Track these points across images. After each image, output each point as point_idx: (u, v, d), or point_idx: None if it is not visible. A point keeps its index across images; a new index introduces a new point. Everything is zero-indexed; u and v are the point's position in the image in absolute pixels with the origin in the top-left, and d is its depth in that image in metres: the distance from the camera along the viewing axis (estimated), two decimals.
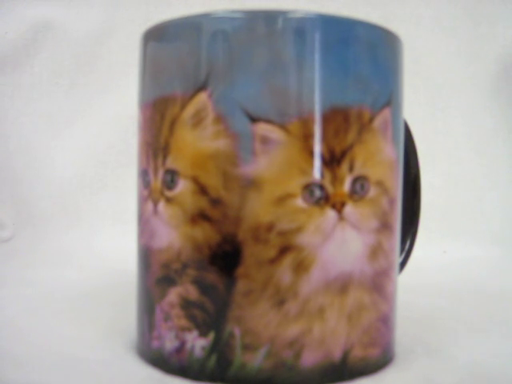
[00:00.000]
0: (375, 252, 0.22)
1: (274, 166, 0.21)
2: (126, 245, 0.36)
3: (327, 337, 0.22)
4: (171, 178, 0.22)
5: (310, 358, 0.21)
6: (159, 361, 0.23)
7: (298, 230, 0.21)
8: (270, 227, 0.21)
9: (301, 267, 0.21)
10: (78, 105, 0.64)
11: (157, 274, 0.23)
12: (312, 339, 0.21)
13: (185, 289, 0.22)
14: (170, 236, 0.22)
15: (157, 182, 0.22)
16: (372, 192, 0.22)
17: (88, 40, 0.64)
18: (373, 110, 0.22)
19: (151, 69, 0.23)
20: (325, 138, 0.21)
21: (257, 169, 0.21)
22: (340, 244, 0.21)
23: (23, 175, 0.63)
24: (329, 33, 0.21)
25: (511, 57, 0.64)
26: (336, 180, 0.21)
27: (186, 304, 0.22)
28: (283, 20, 0.21)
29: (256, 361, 0.21)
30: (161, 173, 0.22)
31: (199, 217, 0.21)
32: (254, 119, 0.21)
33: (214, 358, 0.21)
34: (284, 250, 0.21)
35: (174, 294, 0.22)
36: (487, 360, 0.25)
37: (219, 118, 0.21)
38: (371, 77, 0.22)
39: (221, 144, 0.21)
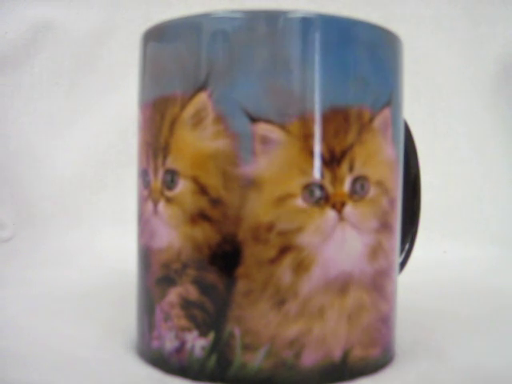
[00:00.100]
0: (375, 252, 0.22)
1: (274, 165, 0.21)
2: (126, 245, 0.36)
3: (327, 337, 0.22)
4: (171, 177, 0.22)
5: (310, 358, 0.21)
6: (159, 361, 0.23)
7: (298, 230, 0.21)
8: (270, 227, 0.21)
9: (301, 267, 0.21)
10: (77, 105, 0.64)
11: (157, 274, 0.23)
12: (312, 339, 0.21)
13: (185, 289, 0.22)
14: (170, 236, 0.22)
15: (157, 182, 0.22)
16: (372, 192, 0.22)
17: (88, 40, 0.64)
18: (373, 110, 0.22)
19: (151, 69, 0.23)
20: (325, 138, 0.21)
21: (257, 169, 0.21)
22: (340, 244, 0.21)
23: (23, 175, 0.63)
24: (329, 33, 0.21)
25: (511, 57, 0.64)
26: (336, 180, 0.21)
27: (186, 304, 0.22)
28: (283, 20, 0.21)
29: (256, 361, 0.21)
30: (161, 173, 0.22)
31: (199, 217, 0.21)
32: (254, 119, 0.21)
33: (213, 358, 0.21)
34: (284, 250, 0.21)
35: (173, 294, 0.22)
36: (487, 360, 0.25)
37: (219, 118, 0.21)
38: (371, 77, 0.22)
39: (221, 144, 0.21)
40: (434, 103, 0.64)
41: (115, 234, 0.59)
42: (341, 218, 0.21)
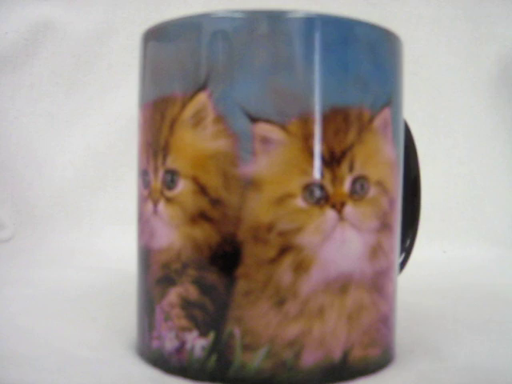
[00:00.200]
0: (375, 252, 0.22)
1: (274, 166, 0.21)
2: (126, 245, 0.36)
3: (327, 337, 0.22)
4: (171, 178, 0.22)
5: (310, 358, 0.21)
6: (159, 361, 0.23)
7: (298, 230, 0.21)
8: (270, 227, 0.21)
9: (301, 267, 0.21)
10: (77, 105, 0.64)
11: (157, 274, 0.23)
12: (312, 339, 0.21)
13: (185, 289, 0.22)
14: (170, 236, 0.22)
15: (157, 182, 0.22)
16: (372, 192, 0.22)
17: (88, 40, 0.65)
18: (373, 110, 0.22)
19: (151, 69, 0.23)
20: (325, 138, 0.21)
21: (257, 169, 0.21)
22: (340, 244, 0.21)
23: (23, 175, 0.63)
24: (329, 33, 0.21)
25: (511, 57, 0.64)
26: (336, 180, 0.21)
27: (186, 304, 0.22)
28: (283, 20, 0.21)
29: (256, 361, 0.21)
30: (161, 173, 0.22)
31: (199, 217, 0.21)
32: (254, 119, 0.21)
33: (213, 358, 0.21)
34: (284, 249, 0.21)
35: (173, 294, 0.22)
36: (487, 360, 0.25)
37: (219, 118, 0.21)
38: (371, 77, 0.22)
39: (221, 144, 0.21)
40: (434, 103, 0.64)
41: (115, 234, 0.59)
42: (341, 217, 0.21)
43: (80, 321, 0.30)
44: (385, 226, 0.23)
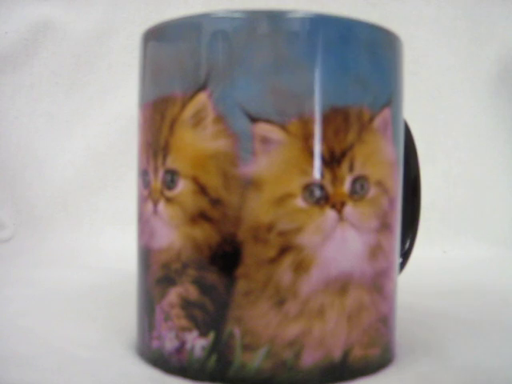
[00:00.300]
0: (375, 252, 0.22)
1: (274, 166, 0.21)
2: (126, 245, 0.36)
3: (327, 337, 0.22)
4: (171, 178, 0.22)
5: (309, 358, 0.21)
6: (159, 361, 0.23)
7: (298, 230, 0.21)
8: (269, 227, 0.21)
9: (301, 267, 0.21)
10: (77, 105, 0.64)
11: (157, 274, 0.23)
12: (312, 339, 0.21)
13: (185, 289, 0.22)
14: (170, 236, 0.22)
15: (157, 182, 0.22)
16: (372, 192, 0.22)
17: (88, 40, 0.65)
18: (373, 110, 0.22)
19: (151, 69, 0.23)
20: (325, 138, 0.21)
21: (257, 169, 0.21)
22: (340, 244, 0.21)
23: (23, 175, 0.63)
24: (329, 33, 0.21)
25: (511, 57, 0.64)
26: (336, 180, 0.21)
27: (186, 304, 0.22)
28: (283, 20, 0.21)
29: (256, 361, 0.21)
30: (161, 173, 0.22)
31: (199, 217, 0.21)
32: (253, 119, 0.21)
33: (213, 358, 0.21)
34: (284, 249, 0.21)
35: (173, 294, 0.22)
36: (487, 360, 0.25)
37: (219, 118, 0.21)
38: (371, 77, 0.22)
39: (221, 144, 0.21)
40: (434, 103, 0.64)
41: (115, 234, 0.59)
42: (341, 217, 0.21)
43: (80, 321, 0.30)
44: (385, 226, 0.23)
